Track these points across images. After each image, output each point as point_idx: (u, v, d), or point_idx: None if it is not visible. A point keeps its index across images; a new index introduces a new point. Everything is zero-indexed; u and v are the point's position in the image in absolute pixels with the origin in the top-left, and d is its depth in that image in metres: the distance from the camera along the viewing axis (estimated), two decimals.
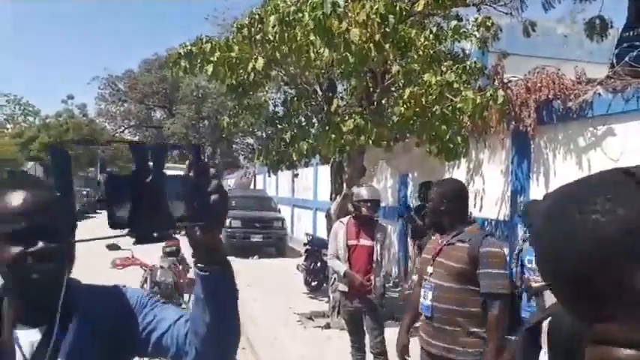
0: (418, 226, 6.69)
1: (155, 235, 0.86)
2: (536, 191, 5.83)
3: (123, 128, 40.14)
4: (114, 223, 0.82)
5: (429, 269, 2.73)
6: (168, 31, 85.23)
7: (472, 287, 2.55)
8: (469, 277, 2.55)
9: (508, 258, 3.74)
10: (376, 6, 4.30)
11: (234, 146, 36.04)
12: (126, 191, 0.82)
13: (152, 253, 6.80)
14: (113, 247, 5.58)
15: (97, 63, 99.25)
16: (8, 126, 36.82)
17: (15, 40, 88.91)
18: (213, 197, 0.88)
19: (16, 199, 1.02)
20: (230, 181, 35.85)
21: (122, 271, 5.47)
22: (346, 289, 4.44)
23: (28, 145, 32.07)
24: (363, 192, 4.41)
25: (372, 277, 4.34)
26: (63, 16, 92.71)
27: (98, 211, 28.41)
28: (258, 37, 5.39)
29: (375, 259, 4.40)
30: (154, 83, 34.57)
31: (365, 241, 4.41)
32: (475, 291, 2.55)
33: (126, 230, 0.81)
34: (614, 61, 5.29)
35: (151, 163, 0.83)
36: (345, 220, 4.59)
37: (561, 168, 5.57)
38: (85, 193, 31.34)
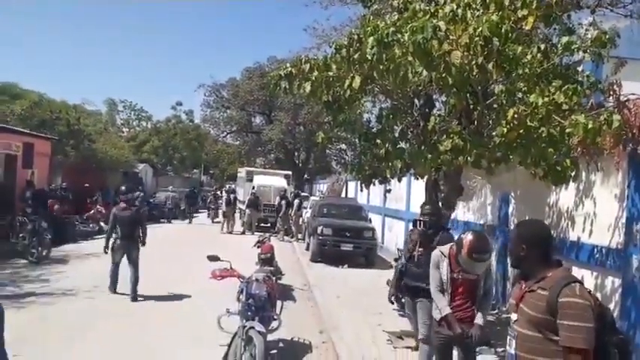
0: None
1: None
2: None
3: (225, 133, 42.33)
4: None
5: (514, 316, 2.62)
6: (269, 40, 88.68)
7: (556, 338, 2.37)
8: (551, 328, 2.38)
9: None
10: (480, 28, 4.12)
11: (327, 151, 36.56)
12: None
13: (248, 263, 7.12)
14: (213, 258, 5.90)
15: (203, 71, 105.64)
16: (124, 130, 40.21)
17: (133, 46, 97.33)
18: None
19: None
20: (322, 187, 36.40)
21: (220, 282, 5.72)
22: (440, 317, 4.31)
23: (140, 148, 34.92)
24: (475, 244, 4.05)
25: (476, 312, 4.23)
26: (168, 26, 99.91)
27: (201, 210, 30.23)
28: (355, 56, 5.41)
29: (479, 292, 4.26)
30: (255, 91, 36.01)
31: (469, 275, 4.21)
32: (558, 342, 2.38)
33: None
34: None
35: None
36: (445, 250, 4.35)
37: None
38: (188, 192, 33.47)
